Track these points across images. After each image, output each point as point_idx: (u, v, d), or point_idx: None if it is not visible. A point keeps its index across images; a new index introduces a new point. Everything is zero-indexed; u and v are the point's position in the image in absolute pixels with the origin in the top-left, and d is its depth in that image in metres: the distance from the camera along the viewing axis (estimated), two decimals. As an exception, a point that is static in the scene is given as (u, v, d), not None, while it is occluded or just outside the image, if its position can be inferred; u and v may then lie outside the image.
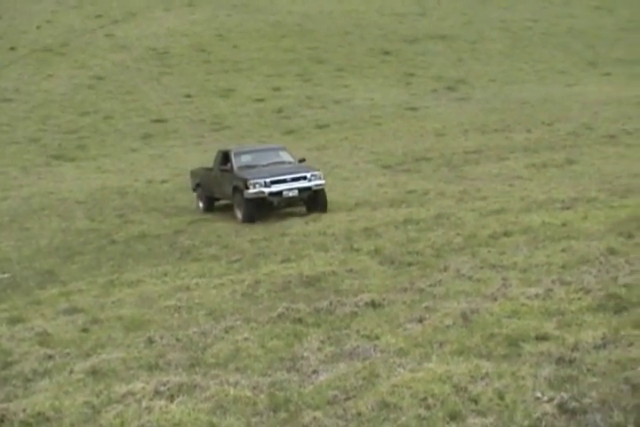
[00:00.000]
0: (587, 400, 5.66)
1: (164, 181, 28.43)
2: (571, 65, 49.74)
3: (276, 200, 20.63)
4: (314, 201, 20.95)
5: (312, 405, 6.48)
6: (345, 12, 58.78)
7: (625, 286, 8.60)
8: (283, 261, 14.28)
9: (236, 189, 21.10)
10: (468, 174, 24.25)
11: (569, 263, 10.69)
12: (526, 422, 5.57)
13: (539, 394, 5.92)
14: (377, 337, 8.27)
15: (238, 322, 9.93)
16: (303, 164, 22.52)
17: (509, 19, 59.15)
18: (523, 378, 6.28)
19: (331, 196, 21.57)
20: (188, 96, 43.82)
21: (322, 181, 21.11)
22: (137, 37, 53.33)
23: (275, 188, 20.53)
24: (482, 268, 11.33)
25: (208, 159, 31.62)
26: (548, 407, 5.69)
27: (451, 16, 59.38)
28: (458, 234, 14.39)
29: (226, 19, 57.32)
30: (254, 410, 6.66)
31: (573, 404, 5.68)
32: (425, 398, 6.15)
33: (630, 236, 11.72)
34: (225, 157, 22.73)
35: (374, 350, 7.78)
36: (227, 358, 8.42)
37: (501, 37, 55.20)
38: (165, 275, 14.45)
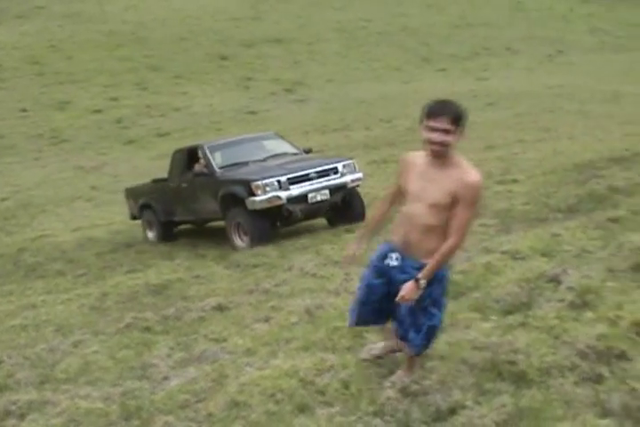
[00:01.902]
0: (427, 382, 5.93)
1: (4, 199, 27.77)
2: (406, 62, 50.84)
3: (298, 209, 14.56)
4: (349, 206, 15.22)
5: (164, 410, 6.56)
6: (180, 19, 58.64)
7: (461, 272, 8.95)
8: (129, 272, 14.23)
9: (227, 199, 14.95)
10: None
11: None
12: (371, 409, 5.79)
13: (385, 382, 6.17)
14: (224, 339, 8.36)
15: (87, 335, 9.87)
16: (317, 154, 17.87)
17: (344, 19, 60.05)
18: (367, 367, 6.52)
19: None
20: (24, 110, 42.93)
21: (359, 174, 15.40)
22: (-34, 52, 52.05)
23: (295, 189, 14.51)
24: (325, 265, 11.57)
25: (47, 173, 31.25)
26: (391, 392, 5.94)
27: (286, 19, 59.90)
28: (303, 233, 14.71)
29: (58, 30, 56.41)
30: (107, 421, 6.67)
31: (414, 387, 5.94)
32: (273, 394, 6.28)
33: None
34: (190, 158, 16.67)
35: (222, 352, 7.86)
36: (77, 372, 8.38)
37: (337, 38, 55.99)
38: (11, 294, 14.20)
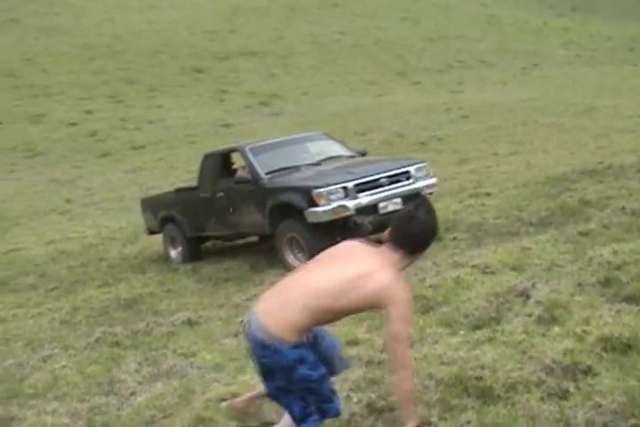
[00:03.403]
0: (393, 398, 5.91)
1: (-23, 213, 27.65)
2: (380, 76, 50.96)
3: (367, 221, 12.27)
4: None
5: (131, 426, 6.54)
6: (154, 32, 58.57)
7: (431, 286, 8.97)
8: (101, 286, 14.23)
9: (278, 210, 12.95)
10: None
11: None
12: (337, 424, 5.76)
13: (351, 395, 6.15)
14: (193, 355, 8.38)
15: (56, 350, 9.85)
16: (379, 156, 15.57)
17: (318, 32, 60.16)
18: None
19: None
20: (-2, 123, 42.79)
21: (434, 179, 13.56)
22: (-61, 65, 51.81)
23: (364, 198, 12.44)
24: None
25: (21, 186, 31.10)
26: (357, 408, 5.93)
27: (261, 32, 59.93)
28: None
29: (33, 42, 56.23)
30: (73, 437, 6.66)
31: (381, 403, 5.94)
32: None
33: (439, 239, 12.15)
34: (225, 163, 15.10)
35: (191, 367, 7.87)
36: (45, 387, 8.35)
37: (312, 51, 56.10)
38: (-19, 308, 14.16)
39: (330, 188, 12.21)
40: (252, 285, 11.84)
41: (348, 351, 7.27)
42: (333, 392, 5.26)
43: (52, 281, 15.60)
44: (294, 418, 5.16)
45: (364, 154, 14.75)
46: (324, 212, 12.13)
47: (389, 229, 5.10)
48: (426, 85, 47.31)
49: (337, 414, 5.27)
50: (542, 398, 5.61)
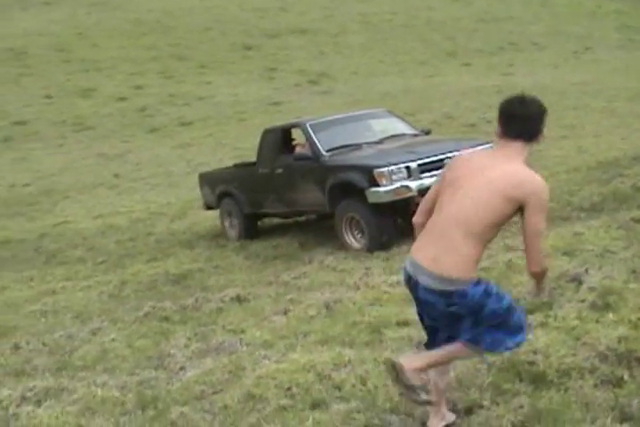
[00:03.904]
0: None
1: (26, 185, 27.86)
2: (431, 56, 50.59)
3: None
4: None
5: (180, 401, 6.56)
6: (205, 8, 58.63)
7: (482, 269, 8.81)
8: (149, 261, 14.33)
9: (338, 189, 12.63)
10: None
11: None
12: (388, 405, 5.76)
13: None
14: (242, 331, 8.38)
15: (105, 323, 9.93)
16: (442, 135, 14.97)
17: (369, 12, 59.82)
18: (383, 363, 6.49)
19: (196, 194, 18.37)
20: (49, 97, 42.94)
21: None
22: (-8, 38, 52.21)
23: (428, 178, 11.80)
24: (345, 258, 11.58)
25: (70, 160, 31.29)
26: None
27: (311, 10, 59.75)
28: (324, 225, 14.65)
29: (84, 17, 56.55)
30: (123, 410, 6.68)
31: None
32: (289, 388, 6.29)
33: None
34: (285, 139, 14.75)
35: (240, 343, 7.87)
36: (94, 360, 8.42)
37: (362, 30, 55.79)
38: (31, 280, 14.30)
39: (392, 167, 11.86)
40: (301, 263, 11.83)
41: (398, 332, 7.27)
42: (522, 320, 5.10)
43: (100, 255, 15.73)
44: (485, 348, 5.02)
45: (427, 133, 14.32)
46: (386, 192, 11.76)
47: (498, 125, 4.94)
48: (476, 67, 46.87)
49: (521, 342, 5.10)
50: (596, 385, 5.55)
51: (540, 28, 57.37)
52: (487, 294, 4.84)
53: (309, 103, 38.46)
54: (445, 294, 4.80)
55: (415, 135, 13.94)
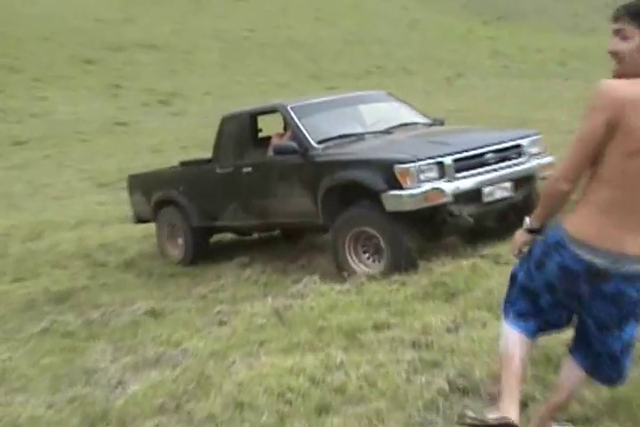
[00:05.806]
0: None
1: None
2: (292, 78, 50.80)
3: (466, 212, 9.75)
4: (526, 209, 8.70)
5: (142, 414, 6.22)
6: (42, 16, 57.51)
7: (445, 274, 8.79)
8: (15, 281, 13.70)
9: (336, 193, 10.44)
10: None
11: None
12: (420, 403, 5.61)
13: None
14: (178, 343, 8.17)
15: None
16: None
17: (224, 28, 59.83)
18: (383, 365, 6.27)
19: (45, 215, 18.73)
20: None
21: (550, 158, 10.68)
22: None
23: (465, 180, 9.83)
24: (263, 272, 11.30)
25: None
26: (442, 383, 5.79)
27: (161, 24, 59.36)
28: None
29: None
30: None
31: (460, 380, 5.78)
32: (282, 394, 6.08)
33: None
34: (254, 128, 12.61)
35: (183, 355, 7.68)
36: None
37: (216, 48, 55.73)
38: None
39: (420, 163, 9.56)
40: (211, 278, 11.54)
41: (380, 335, 7.05)
42: None
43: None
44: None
45: (442, 122, 12.18)
46: (412, 196, 9.45)
47: None
48: (342, 91, 47.27)
49: None
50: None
51: (409, 52, 58.53)
52: None
53: (161, 124, 38.12)
54: None
55: (430, 124, 11.91)
